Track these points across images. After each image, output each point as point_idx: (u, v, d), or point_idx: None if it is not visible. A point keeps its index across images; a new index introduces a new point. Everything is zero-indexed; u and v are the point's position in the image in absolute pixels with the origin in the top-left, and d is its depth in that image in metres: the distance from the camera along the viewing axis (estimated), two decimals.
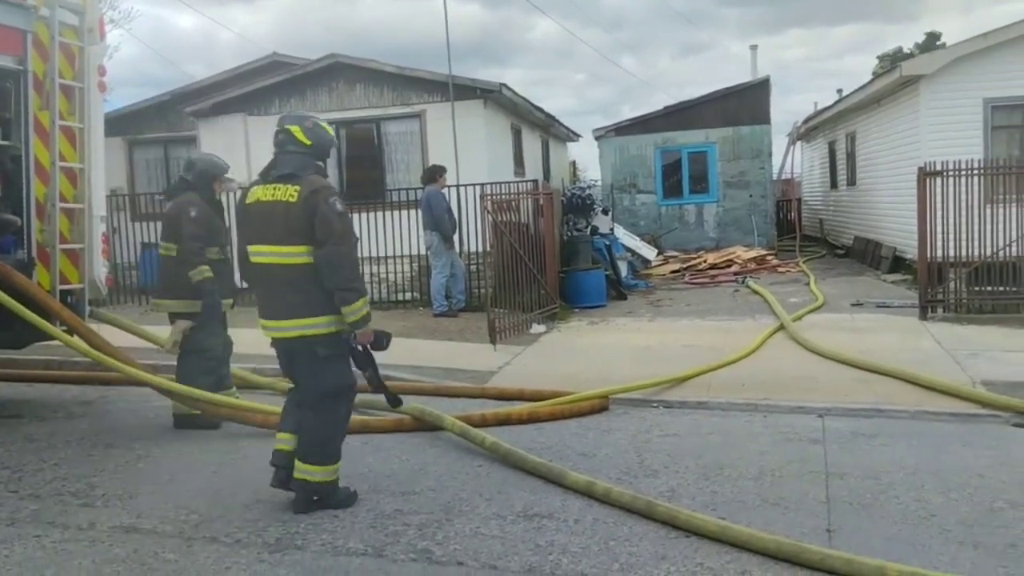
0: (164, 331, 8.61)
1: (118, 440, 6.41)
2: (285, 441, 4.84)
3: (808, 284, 14.10)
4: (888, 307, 11.47)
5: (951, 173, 10.17)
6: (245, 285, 5.38)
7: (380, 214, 13.38)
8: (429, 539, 4.30)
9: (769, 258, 17.72)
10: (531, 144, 20.54)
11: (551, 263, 11.90)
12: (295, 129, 4.77)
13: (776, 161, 23.34)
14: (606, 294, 13.27)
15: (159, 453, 6.04)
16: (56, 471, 5.65)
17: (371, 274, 13.65)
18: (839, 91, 23.75)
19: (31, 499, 5.09)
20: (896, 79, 14.34)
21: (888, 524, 4.47)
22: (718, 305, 12.61)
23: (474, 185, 12.54)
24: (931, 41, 21.43)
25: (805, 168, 26.53)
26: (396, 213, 13.27)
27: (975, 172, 10.22)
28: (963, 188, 10.18)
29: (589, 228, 14.89)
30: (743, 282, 14.92)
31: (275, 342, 4.82)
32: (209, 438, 6.36)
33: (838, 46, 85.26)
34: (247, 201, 4.81)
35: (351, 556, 4.12)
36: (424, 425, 6.43)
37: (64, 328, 6.52)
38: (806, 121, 24.50)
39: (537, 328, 10.83)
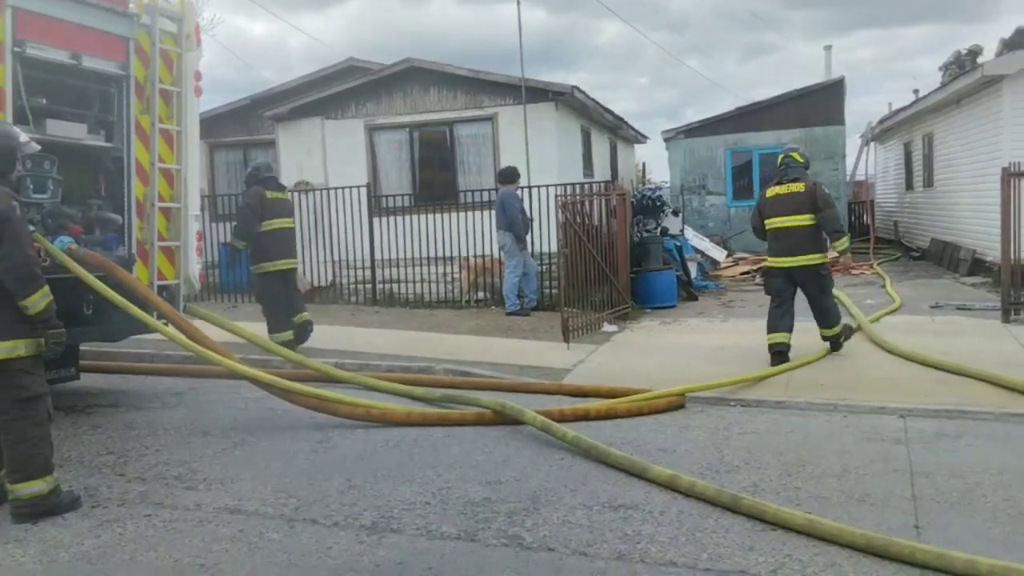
0: (254, 327, 8.99)
1: (213, 428, 6.71)
2: (782, 335, 8.52)
3: (884, 286, 13.89)
4: (968, 309, 11.24)
5: None
6: None
7: (453, 215, 13.62)
8: (519, 526, 4.44)
9: (841, 260, 17.42)
10: (600, 146, 20.60)
11: (623, 263, 11.95)
12: (795, 155, 8.88)
13: (849, 163, 22.97)
14: (677, 295, 13.27)
15: (253, 441, 6.31)
16: (158, 456, 5.95)
17: (443, 274, 13.91)
18: (915, 92, 23.26)
19: (137, 481, 5.39)
20: (977, 79, 14.03)
21: (977, 522, 4.46)
22: None
23: (547, 186, 12.69)
24: (1019, 36, 20.75)
25: (879, 170, 26.02)
26: (468, 214, 13.49)
27: None
28: None
29: (659, 229, 14.87)
30: None
31: (787, 270, 8.63)
32: (299, 427, 6.62)
33: (908, 47, 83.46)
34: (768, 195, 8.85)
35: (445, 540, 4.28)
36: (505, 419, 6.57)
37: (164, 321, 6.84)
38: (880, 122, 24.02)
39: (609, 327, 10.91)
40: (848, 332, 9.07)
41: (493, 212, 12.71)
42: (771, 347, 8.51)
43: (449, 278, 13.86)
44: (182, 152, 7.63)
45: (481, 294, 13.54)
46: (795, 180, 8.67)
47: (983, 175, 14.03)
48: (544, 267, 12.96)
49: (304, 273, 14.16)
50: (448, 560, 4.04)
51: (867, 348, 9.13)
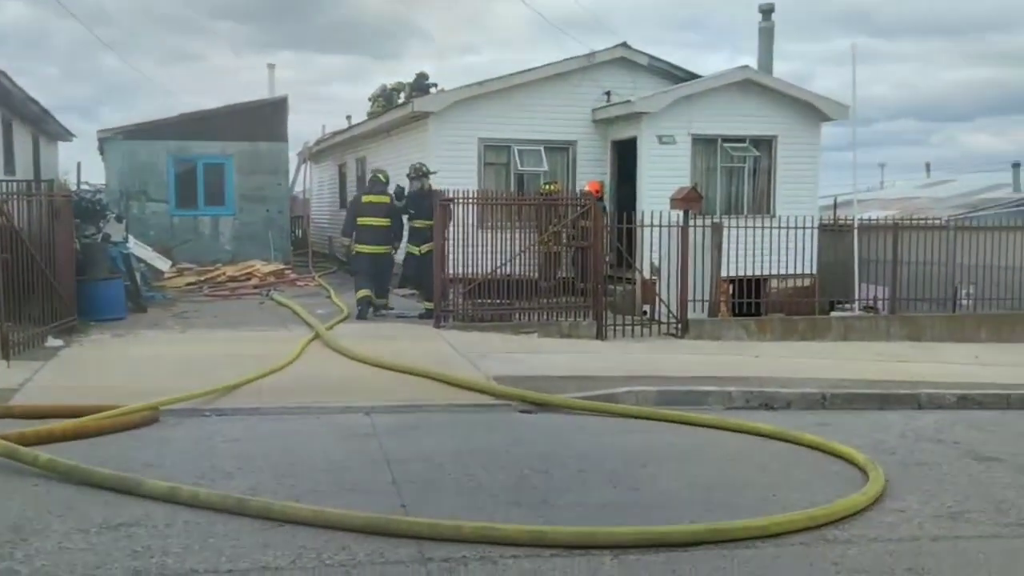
0: None
1: None
2: (366, 291, 12.63)
3: (329, 297, 14.87)
4: (406, 317, 12.72)
5: (461, 201, 11.72)
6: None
7: None
8: (8, 559, 3.96)
9: (288, 272, 18.22)
10: (22, 140, 18.59)
11: (68, 272, 10.97)
12: (380, 175, 13.30)
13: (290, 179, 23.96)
14: (125, 306, 12.59)
15: None
16: None
17: None
18: (348, 118, 25.16)
19: None
20: (408, 113, 15.92)
21: (449, 496, 5.23)
22: (248, 317, 12.75)
23: None
24: (420, 80, 24.01)
25: (315, 187, 27.61)
26: None
27: (488, 202, 12.03)
28: (471, 215, 11.79)
29: (101, 236, 13.91)
30: (268, 295, 15.19)
31: (369, 255, 12.72)
32: None
33: (327, 74, 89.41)
34: (363, 201, 13.00)
35: None
36: None
37: None
38: (317, 143, 25.55)
39: (54, 342, 9.93)
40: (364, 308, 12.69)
41: None
42: (360, 299, 12.62)
43: None
44: None
45: None
46: (381, 193, 12.91)
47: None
48: None
49: None
50: None
51: (327, 354, 9.80)
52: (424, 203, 12.70)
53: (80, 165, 22.72)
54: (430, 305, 12.32)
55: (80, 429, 6.42)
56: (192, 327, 11.78)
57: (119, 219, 15.02)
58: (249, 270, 17.97)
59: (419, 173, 13.18)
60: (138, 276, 14.43)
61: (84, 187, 19.71)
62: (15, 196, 10.29)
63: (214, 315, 13.02)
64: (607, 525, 4.60)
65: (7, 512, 4.63)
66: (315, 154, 26.16)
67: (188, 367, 8.95)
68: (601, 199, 14.69)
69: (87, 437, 6.34)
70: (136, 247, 16.29)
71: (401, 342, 10.63)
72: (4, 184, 10.47)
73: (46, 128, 21.90)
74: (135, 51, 75.98)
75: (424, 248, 12.72)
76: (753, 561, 4.28)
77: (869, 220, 16.45)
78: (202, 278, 17.44)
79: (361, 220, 12.75)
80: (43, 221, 10.75)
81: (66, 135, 24.73)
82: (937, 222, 15.67)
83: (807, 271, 14.60)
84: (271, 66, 25.41)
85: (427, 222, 12.49)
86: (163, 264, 17.51)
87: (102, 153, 21.29)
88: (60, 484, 5.16)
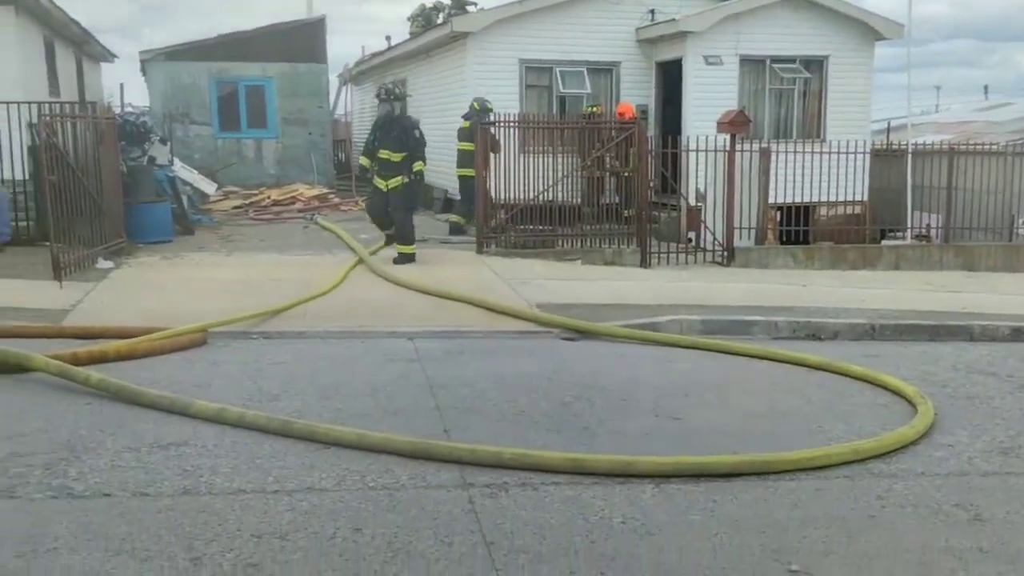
0: None
1: None
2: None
3: None
4: (449, 243, 12.69)
5: (502, 124, 11.54)
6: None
7: None
8: (62, 476, 4.08)
9: (331, 196, 18.24)
10: (65, 62, 18.54)
11: (115, 194, 11.08)
12: (475, 102, 13.00)
13: (331, 101, 23.82)
14: (173, 229, 12.74)
15: None
16: None
17: None
18: (388, 39, 24.81)
19: None
20: (447, 33, 15.60)
21: (491, 421, 5.26)
22: (292, 241, 12.83)
23: (15, 104, 11.08)
24: (422, 11, 23.91)
25: (356, 110, 27.40)
26: None
27: (529, 125, 11.76)
28: (513, 139, 11.62)
29: (147, 158, 14.01)
30: (312, 219, 15.25)
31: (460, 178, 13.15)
32: None
33: None
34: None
35: None
36: (7, 368, 5.81)
37: None
38: (357, 64, 25.26)
39: (104, 264, 10.09)
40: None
41: None
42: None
43: None
44: None
45: None
46: (466, 119, 12.76)
47: (451, 121, 15.68)
48: (16, 197, 11.39)
49: None
50: None
51: (371, 279, 9.83)
52: (392, 130, 10.93)
53: (123, 87, 22.76)
54: (404, 249, 10.83)
55: (131, 350, 6.55)
56: (238, 250, 11.89)
57: (163, 142, 15.09)
58: (293, 194, 18.02)
59: (390, 95, 11.21)
60: (184, 199, 14.55)
61: (128, 109, 19.80)
62: (61, 118, 10.34)
63: (259, 238, 13.12)
64: (648, 454, 4.60)
65: (61, 430, 4.75)
66: (355, 76, 25.88)
67: (235, 290, 9.06)
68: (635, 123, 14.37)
69: (138, 358, 6.47)
70: (182, 170, 16.41)
71: (444, 268, 10.62)
72: (50, 106, 10.51)
73: (88, 50, 21.82)
74: None
75: (392, 183, 10.86)
76: (795, 493, 4.25)
77: (923, 145, 15.89)
78: (247, 201, 17.54)
79: (459, 145, 13.13)
80: (89, 144, 10.83)
81: (108, 56, 24.65)
82: (994, 147, 15.11)
83: (858, 198, 14.24)
84: None
85: (393, 154, 10.83)
86: (208, 187, 17.64)
87: (144, 75, 21.32)
88: (111, 403, 5.29)
